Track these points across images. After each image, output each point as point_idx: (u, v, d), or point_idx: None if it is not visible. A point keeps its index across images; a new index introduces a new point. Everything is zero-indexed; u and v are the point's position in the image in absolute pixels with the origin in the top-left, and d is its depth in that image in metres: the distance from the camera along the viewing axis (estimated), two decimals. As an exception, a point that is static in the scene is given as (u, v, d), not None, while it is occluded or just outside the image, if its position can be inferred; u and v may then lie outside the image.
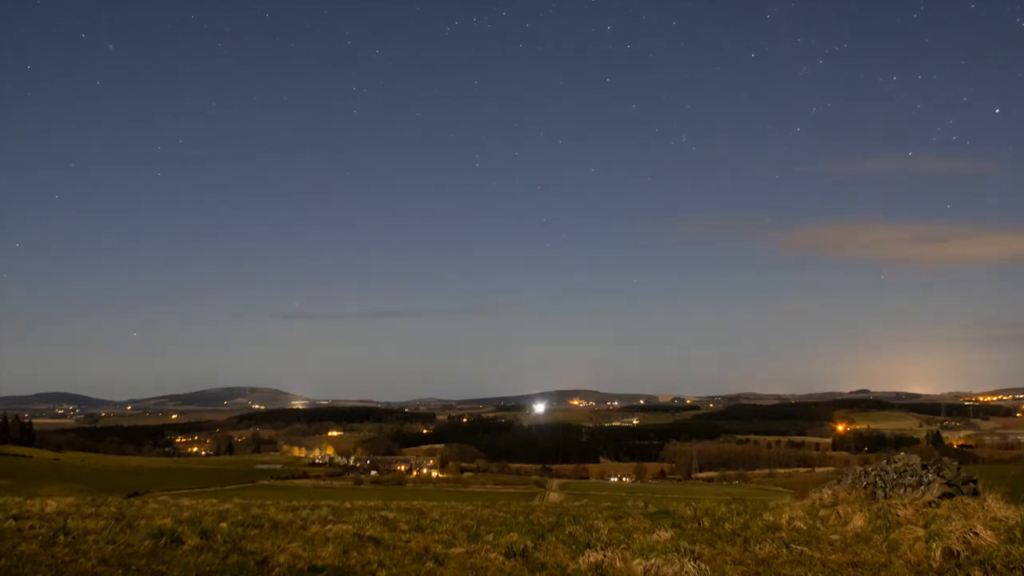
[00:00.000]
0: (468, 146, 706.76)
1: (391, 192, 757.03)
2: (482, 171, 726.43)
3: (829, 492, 9.69)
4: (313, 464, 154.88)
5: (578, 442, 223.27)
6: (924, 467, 8.80)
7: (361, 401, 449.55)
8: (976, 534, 6.45)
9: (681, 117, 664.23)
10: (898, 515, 7.84)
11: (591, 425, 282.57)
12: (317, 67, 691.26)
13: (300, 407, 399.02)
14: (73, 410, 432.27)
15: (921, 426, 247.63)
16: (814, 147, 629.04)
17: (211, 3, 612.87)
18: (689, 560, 6.67)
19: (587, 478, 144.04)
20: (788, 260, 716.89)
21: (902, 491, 8.57)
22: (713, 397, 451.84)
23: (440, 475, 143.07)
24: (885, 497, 8.66)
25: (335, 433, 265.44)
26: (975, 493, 8.27)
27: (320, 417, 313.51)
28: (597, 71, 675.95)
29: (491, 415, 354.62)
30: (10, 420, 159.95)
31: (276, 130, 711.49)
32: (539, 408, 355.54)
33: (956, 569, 5.94)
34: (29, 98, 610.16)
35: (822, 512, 8.91)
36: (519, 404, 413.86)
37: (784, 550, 7.20)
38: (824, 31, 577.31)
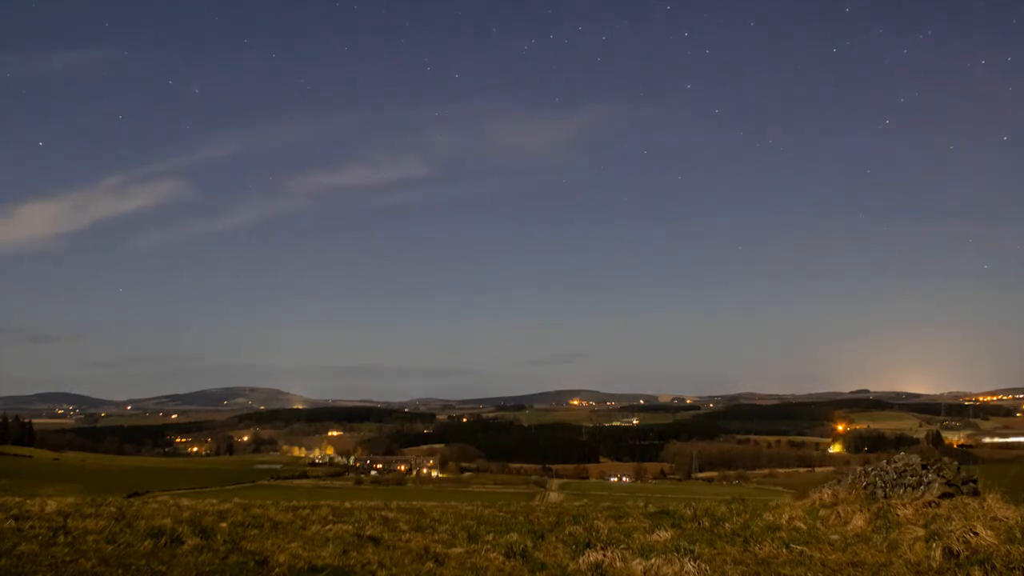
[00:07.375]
0: (551, 161, 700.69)
1: (445, 207, 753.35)
2: (567, 186, 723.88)
3: (829, 492, 9.69)
4: (313, 464, 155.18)
5: (578, 442, 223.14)
6: (924, 467, 8.80)
7: (361, 401, 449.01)
8: (976, 534, 6.45)
9: (765, 118, 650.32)
10: (898, 515, 7.84)
11: (591, 425, 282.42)
12: (396, 96, 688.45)
13: (300, 407, 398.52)
14: (73, 410, 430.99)
15: (921, 426, 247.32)
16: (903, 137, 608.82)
17: (290, 41, 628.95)
18: (689, 560, 6.67)
19: (587, 478, 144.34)
20: (790, 260, 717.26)
21: (902, 491, 8.57)
22: (713, 397, 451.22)
23: (440, 475, 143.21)
24: (885, 497, 8.66)
25: (335, 433, 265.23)
26: (975, 493, 8.27)
27: (320, 417, 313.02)
28: (677, 79, 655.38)
29: (491, 415, 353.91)
30: (10, 420, 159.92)
31: (342, 154, 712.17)
32: (539, 408, 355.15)
33: (956, 569, 5.93)
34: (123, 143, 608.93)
35: (822, 512, 8.91)
36: (519, 404, 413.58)
37: (784, 550, 7.20)
38: (906, 20, 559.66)
